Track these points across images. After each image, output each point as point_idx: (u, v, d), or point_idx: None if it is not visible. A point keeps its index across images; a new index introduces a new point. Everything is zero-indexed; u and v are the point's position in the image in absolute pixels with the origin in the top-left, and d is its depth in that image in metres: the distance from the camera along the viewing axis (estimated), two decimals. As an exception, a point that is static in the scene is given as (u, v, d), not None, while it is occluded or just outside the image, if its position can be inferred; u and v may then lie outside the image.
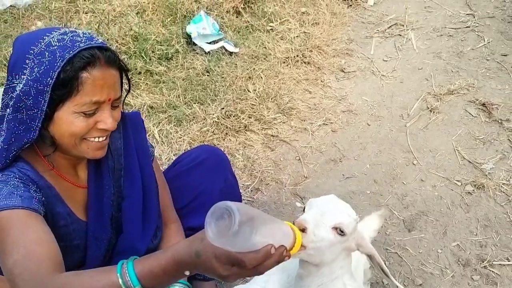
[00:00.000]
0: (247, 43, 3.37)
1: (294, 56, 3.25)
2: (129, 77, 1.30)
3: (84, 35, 1.15)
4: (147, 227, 1.45)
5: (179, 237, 1.55)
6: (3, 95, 1.16)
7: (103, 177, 1.36)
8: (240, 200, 1.89)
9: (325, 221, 1.06)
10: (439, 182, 2.41)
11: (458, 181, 2.41)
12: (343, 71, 3.21)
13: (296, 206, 2.30)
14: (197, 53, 3.25)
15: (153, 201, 1.47)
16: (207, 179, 1.67)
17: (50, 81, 1.08)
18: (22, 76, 1.10)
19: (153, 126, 2.68)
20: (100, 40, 1.18)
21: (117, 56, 1.21)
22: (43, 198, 1.18)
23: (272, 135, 2.70)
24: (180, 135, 2.64)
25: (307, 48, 3.32)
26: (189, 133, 2.64)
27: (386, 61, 3.31)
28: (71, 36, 1.13)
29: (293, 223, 1.04)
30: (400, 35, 3.54)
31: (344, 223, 1.07)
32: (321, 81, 3.12)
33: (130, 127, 1.43)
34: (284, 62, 3.23)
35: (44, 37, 1.11)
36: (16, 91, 1.10)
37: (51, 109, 1.12)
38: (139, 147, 1.44)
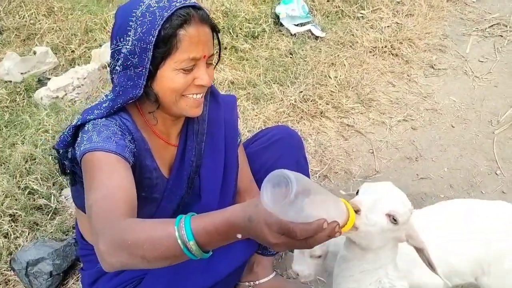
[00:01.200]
0: (335, 28, 3.30)
1: (382, 47, 3.14)
2: (220, 39, 1.35)
3: None
4: (223, 202, 1.51)
5: None
6: (110, 59, 1.27)
7: (187, 138, 1.45)
8: None
9: (380, 206, 1.04)
10: (523, 197, 2.24)
11: (545, 199, 2.22)
12: (432, 68, 3.05)
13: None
14: (283, 34, 3.25)
15: (231, 180, 1.54)
16: (279, 160, 1.70)
17: (152, 39, 1.16)
18: (127, 38, 1.19)
19: (232, 101, 2.73)
20: (193, 0, 1.24)
21: (209, 15, 1.27)
22: (135, 150, 1.27)
23: (347, 125, 2.65)
24: (256, 113, 2.68)
25: (397, 40, 3.19)
26: (265, 112, 2.66)
27: (482, 62, 3.09)
28: None
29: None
30: (502, 36, 3.28)
31: (398, 211, 1.04)
32: (408, 75, 2.99)
33: (224, 104, 1.51)
34: (370, 51, 3.13)
35: (144, 1, 1.20)
36: (123, 52, 1.20)
37: (154, 67, 1.20)
38: (229, 127, 1.52)
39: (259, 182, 1.69)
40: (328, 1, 3.52)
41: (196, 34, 1.19)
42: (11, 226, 2.01)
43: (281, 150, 1.72)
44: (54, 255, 1.84)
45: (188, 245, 0.90)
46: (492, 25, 3.36)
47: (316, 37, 3.24)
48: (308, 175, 1.85)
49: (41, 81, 2.93)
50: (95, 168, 1.13)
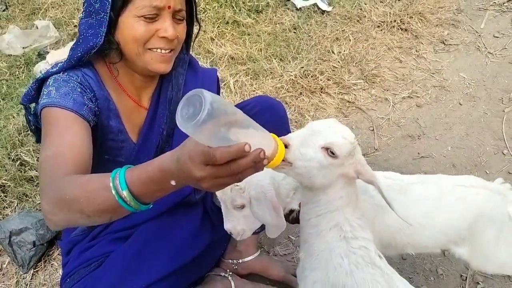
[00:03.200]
0: (342, 2, 3.17)
1: (391, 21, 3.00)
2: (197, 6, 1.31)
3: None
4: None
5: None
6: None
7: (159, 104, 1.39)
8: None
9: (315, 139, 0.96)
10: (530, 178, 2.11)
11: (554, 180, 2.08)
12: (443, 43, 2.90)
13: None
14: (288, 9, 3.14)
15: None
16: None
17: None
18: None
19: (230, 76, 2.67)
20: None
21: None
22: (96, 109, 1.23)
23: (348, 101, 2.55)
24: (254, 88, 2.60)
25: (408, 14, 3.04)
26: (263, 88, 2.59)
27: (497, 37, 2.92)
28: None
29: None
30: (522, 10, 3.09)
31: (335, 144, 0.96)
32: (416, 50, 2.85)
33: (203, 77, 1.46)
34: (378, 26, 3.00)
35: None
36: None
37: (115, 13, 1.17)
38: None
39: None
40: (337, -26, 3.38)
41: None
42: (0, 196, 2.01)
43: (260, 123, 1.64)
44: (37, 225, 1.83)
45: (123, 195, 0.88)
46: (511, -1, 3.17)
47: (323, 12, 3.12)
48: None
49: (41, 55, 2.92)
50: (50, 125, 1.12)
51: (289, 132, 1.70)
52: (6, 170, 2.09)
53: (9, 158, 2.15)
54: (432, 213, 1.31)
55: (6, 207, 2.00)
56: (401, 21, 3.00)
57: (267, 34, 2.95)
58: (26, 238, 1.81)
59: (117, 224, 1.42)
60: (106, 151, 1.30)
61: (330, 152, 0.96)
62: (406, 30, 2.96)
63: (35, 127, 1.33)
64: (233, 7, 3.08)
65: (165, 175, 0.85)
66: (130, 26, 1.18)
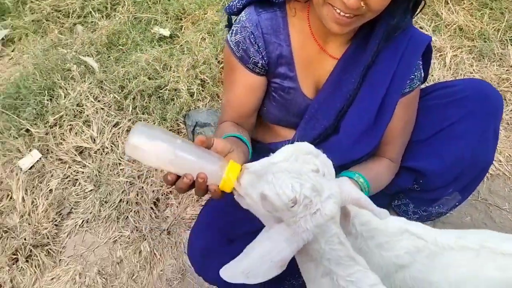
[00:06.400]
0: None
1: None
2: None
3: None
4: (364, 141, 1.27)
5: (382, 169, 1.32)
6: None
7: (355, 68, 1.22)
8: (485, 169, 1.41)
9: (262, 181, 0.82)
10: None
11: None
12: None
13: None
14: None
15: (382, 124, 1.26)
16: (457, 123, 1.32)
17: None
18: None
19: (450, 49, 2.38)
20: None
21: None
22: (263, 61, 1.23)
23: None
24: (473, 70, 2.29)
25: None
26: (484, 73, 2.26)
27: None
28: None
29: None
30: None
31: (270, 196, 0.79)
32: None
33: (408, 44, 1.22)
34: None
35: None
36: None
37: None
38: (402, 65, 1.23)
39: (424, 143, 1.37)
40: None
41: None
42: (198, 89, 2.23)
43: (463, 112, 1.31)
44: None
45: None
46: None
47: None
48: (490, 155, 1.38)
49: None
50: (227, 67, 1.29)
51: (496, 131, 1.40)
52: (210, 69, 2.29)
53: (216, 59, 2.33)
54: (462, 283, 1.01)
55: (200, 100, 2.21)
56: None
57: (513, 13, 2.51)
58: (207, 132, 1.98)
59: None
60: (272, 90, 1.30)
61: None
62: None
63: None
64: (484, -27, 2.68)
65: None
66: None
